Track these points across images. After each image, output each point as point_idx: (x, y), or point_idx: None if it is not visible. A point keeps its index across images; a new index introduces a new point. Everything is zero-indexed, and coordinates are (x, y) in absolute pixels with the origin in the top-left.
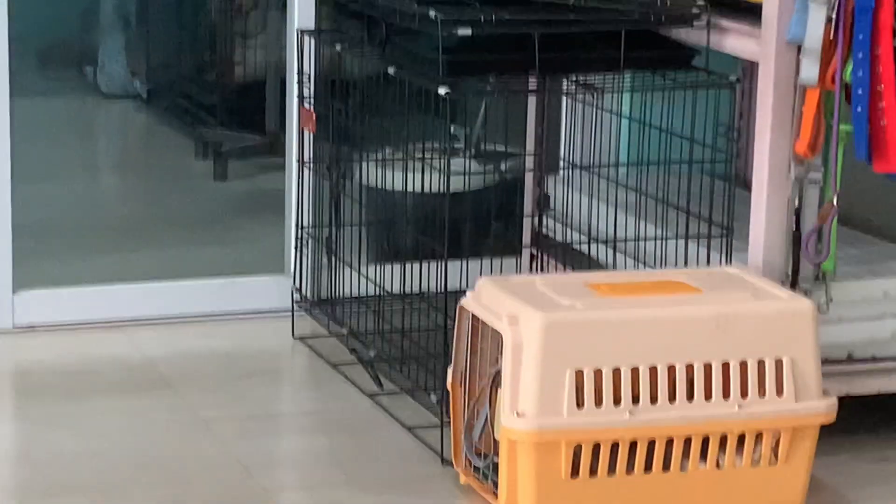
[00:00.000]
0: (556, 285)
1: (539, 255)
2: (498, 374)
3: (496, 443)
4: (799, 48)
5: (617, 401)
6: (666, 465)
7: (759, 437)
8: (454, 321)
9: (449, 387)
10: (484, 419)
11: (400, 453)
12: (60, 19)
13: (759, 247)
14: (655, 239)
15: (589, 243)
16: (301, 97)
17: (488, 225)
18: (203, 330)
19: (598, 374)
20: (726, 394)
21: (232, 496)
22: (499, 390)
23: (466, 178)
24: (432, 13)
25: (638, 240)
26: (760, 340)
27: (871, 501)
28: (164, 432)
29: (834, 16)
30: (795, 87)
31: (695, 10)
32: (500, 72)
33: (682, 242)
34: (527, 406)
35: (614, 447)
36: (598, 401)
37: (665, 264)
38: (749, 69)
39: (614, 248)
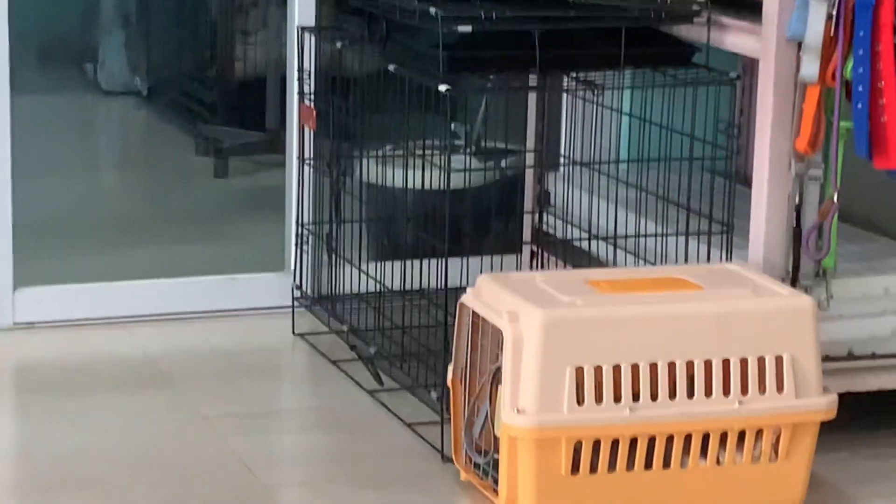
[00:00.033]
0: (556, 282)
1: (539, 251)
2: (498, 370)
3: (496, 439)
4: (799, 45)
5: (617, 398)
6: (666, 462)
7: (759, 433)
8: (454, 318)
9: (449, 383)
10: (484, 416)
11: (400, 450)
12: (61, 16)
13: (759, 243)
14: (656, 236)
15: (589, 240)
16: (301, 94)
17: (489, 222)
18: (203, 327)
19: (598, 370)
20: (727, 391)
21: (232, 493)
22: (499, 387)
23: (467, 175)
24: (433, 10)
25: (638, 236)
26: (761, 337)
27: (871, 498)
28: (164, 429)
29: (834, 12)
30: (796, 84)
31: (695, 7)
32: (501, 69)
33: (682, 239)
34: (527, 403)
35: (615, 444)
36: (599, 397)
37: (665, 261)
38: (749, 66)
39: (615, 245)
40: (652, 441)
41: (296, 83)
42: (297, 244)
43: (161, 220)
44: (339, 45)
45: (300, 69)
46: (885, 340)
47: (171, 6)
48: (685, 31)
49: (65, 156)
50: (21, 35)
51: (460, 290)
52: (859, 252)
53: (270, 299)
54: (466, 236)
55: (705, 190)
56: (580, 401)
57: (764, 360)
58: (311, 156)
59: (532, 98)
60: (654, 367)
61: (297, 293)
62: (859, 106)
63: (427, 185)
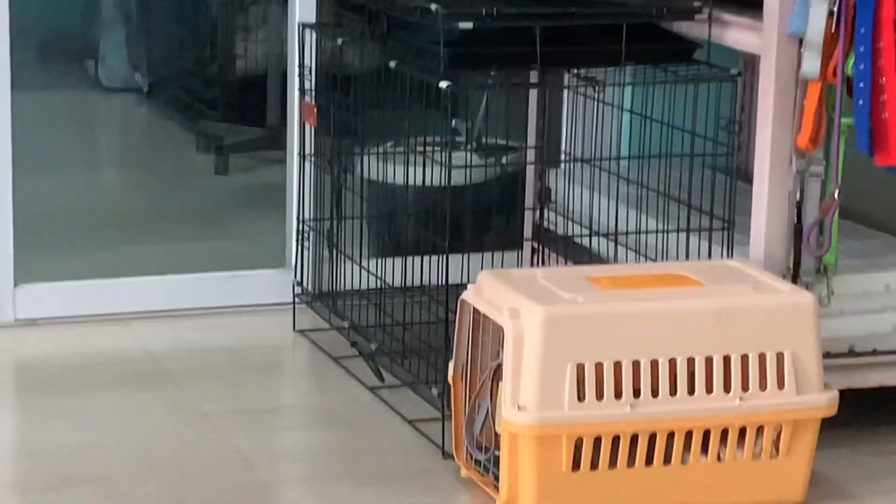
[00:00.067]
0: (557, 279)
1: (540, 248)
2: (499, 367)
3: (497, 436)
4: (800, 41)
5: (618, 394)
6: (667, 459)
7: (760, 430)
8: (455, 314)
9: (450, 380)
10: (485, 412)
11: (401, 447)
12: (61, 13)
13: (760, 240)
14: (657, 232)
15: (590, 237)
16: (302, 91)
17: (489, 218)
18: (204, 323)
19: (599, 367)
20: (727, 387)
21: (233, 489)
22: (500, 384)
23: (468, 171)
24: (433, 6)
25: (639, 233)
26: (762, 334)
27: (871, 494)
28: (165, 426)
29: (835, 9)
30: (797, 81)
31: (696, 4)
32: (502, 65)
33: (683, 236)
34: (528, 399)
35: (615, 440)
36: (600, 394)
37: (666, 258)
38: (750, 62)
39: (615, 242)
40: (653, 438)
41: (296, 80)
42: (297, 241)
43: (162, 216)
44: (339, 41)
45: (301, 66)
46: (885, 337)
47: (172, 3)
48: (686, 28)
49: (65, 152)
50: (22, 32)
51: (461, 286)
52: (860, 248)
53: (271, 296)
54: (467, 233)
55: (706, 186)
56: (581, 397)
57: (765, 356)
58: (312, 152)
59: (533, 94)
60: (655, 364)
61: (298, 290)
62: (860, 102)
63: (428, 182)
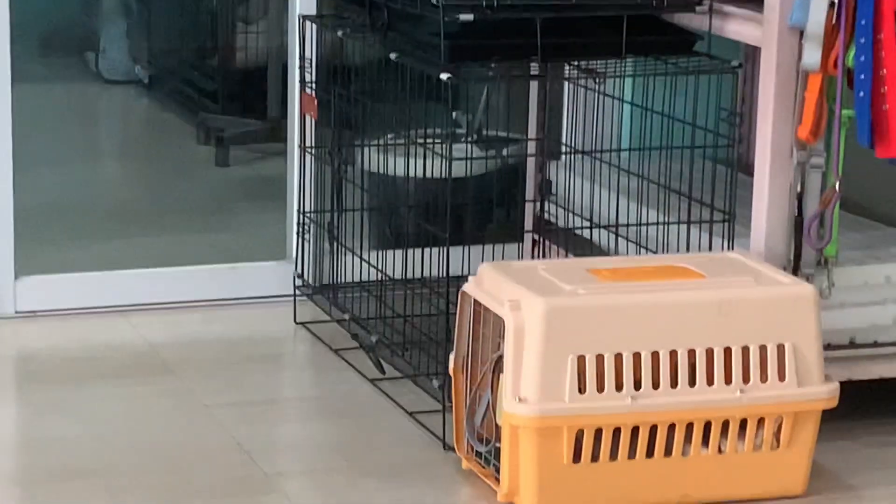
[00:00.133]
0: (558, 271)
1: (541, 240)
2: (500, 359)
3: (498, 428)
4: (801, 33)
5: (619, 386)
6: (668, 451)
7: (760, 422)
8: (456, 306)
9: (451, 372)
10: (486, 404)
11: (402, 439)
12: (62, 5)
13: (761, 232)
14: (657, 224)
15: (591, 228)
16: (303, 83)
17: (490, 210)
18: (205, 316)
19: (600, 359)
20: (728, 379)
21: (233, 481)
22: (501, 376)
23: (468, 163)
24: None
25: (640, 225)
26: (762, 326)
27: (872, 486)
28: (165, 418)
29: (836, 0)
30: (798, 72)
31: None
32: (502, 57)
33: (684, 227)
34: (529, 391)
35: (616, 433)
36: (601, 386)
37: (667, 249)
38: (751, 54)
39: (616, 234)
40: (654, 430)
41: (297, 72)
42: (298, 233)
43: (162, 208)
44: (340, 33)
45: (301, 58)
46: (886, 329)
47: None
48: (687, 20)
49: (66, 145)
50: (22, 24)
51: (462, 278)
52: (861, 240)
53: (272, 288)
54: (468, 225)
55: (707, 178)
56: (582, 389)
57: (766, 348)
58: (313, 144)
59: (534, 86)
60: (655, 356)
61: (299, 282)
62: (861, 94)
63: (429, 174)
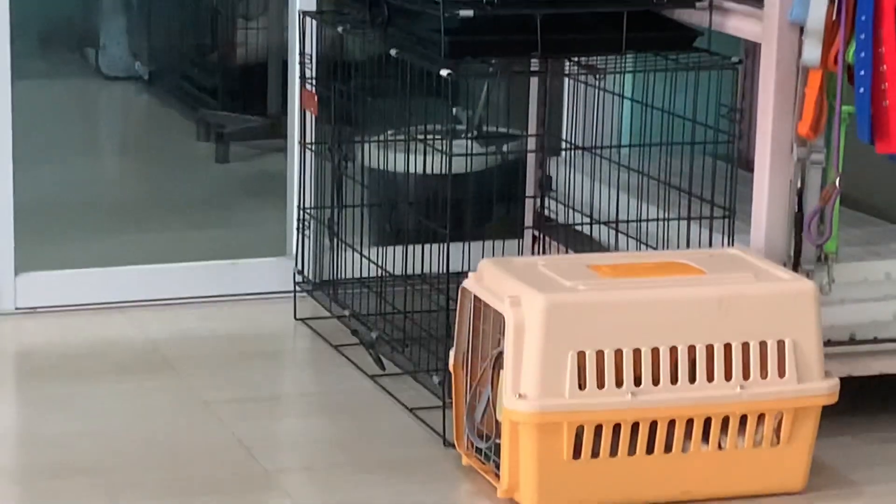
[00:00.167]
0: (558, 267)
1: (541, 236)
2: (500, 355)
3: (498, 424)
4: (801, 29)
5: (619, 382)
6: (668, 447)
7: (761, 418)
8: (456, 303)
9: (451, 368)
10: (486, 401)
11: (402, 435)
12: (62, 2)
13: (761, 228)
14: (657, 220)
15: (591, 224)
16: (303, 79)
17: (490, 206)
18: (205, 312)
19: (599, 355)
20: (728, 375)
21: (233, 477)
22: (501, 372)
23: (468, 159)
24: None
25: (640, 221)
26: (762, 322)
27: (872, 482)
28: (165, 414)
29: None
30: (798, 68)
31: None
32: (503, 53)
33: (684, 224)
34: (529, 388)
35: (616, 429)
36: (600, 382)
37: (667, 246)
38: (751, 50)
39: (616, 230)
40: (654, 426)
41: (297, 68)
42: (298, 229)
43: (162, 205)
44: (340, 29)
45: (302, 54)
46: (886, 325)
47: None
48: (687, 16)
49: (66, 141)
50: (22, 20)
51: (462, 274)
52: (861, 236)
53: (272, 284)
54: (468, 221)
55: (707, 174)
56: (582, 385)
57: (766, 344)
58: (313, 141)
59: (534, 82)
60: (655, 352)
61: (299, 278)
62: (861, 90)
63: (429, 170)
